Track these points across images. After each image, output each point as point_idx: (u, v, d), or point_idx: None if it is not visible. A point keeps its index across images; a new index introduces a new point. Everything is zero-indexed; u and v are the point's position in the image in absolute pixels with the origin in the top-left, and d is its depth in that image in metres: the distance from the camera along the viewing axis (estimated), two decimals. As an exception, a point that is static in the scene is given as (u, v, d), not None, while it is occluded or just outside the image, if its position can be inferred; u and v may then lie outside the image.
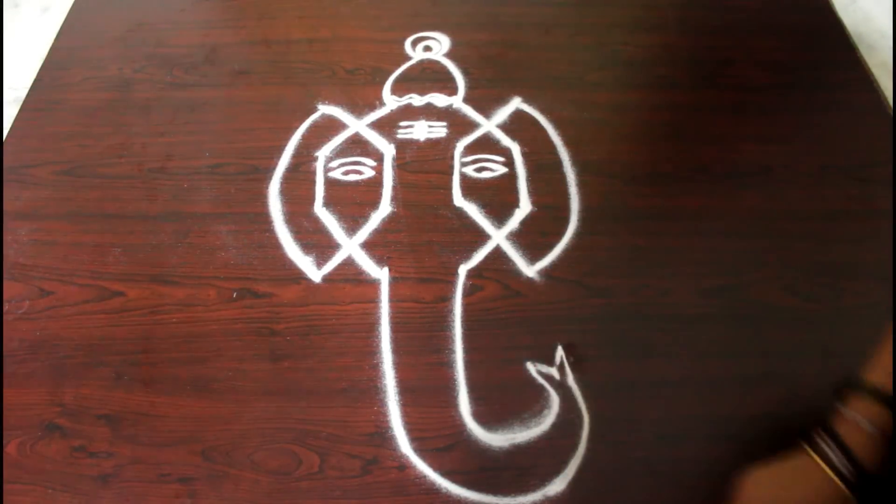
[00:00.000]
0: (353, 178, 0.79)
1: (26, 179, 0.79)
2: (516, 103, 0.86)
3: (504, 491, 0.58)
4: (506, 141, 0.82)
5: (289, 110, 0.86)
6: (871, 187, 0.77)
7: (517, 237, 0.73)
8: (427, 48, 0.93)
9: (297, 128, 0.84)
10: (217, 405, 0.62)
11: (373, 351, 0.66)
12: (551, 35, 0.95)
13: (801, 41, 0.94)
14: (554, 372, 0.64)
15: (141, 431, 0.61)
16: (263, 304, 0.69)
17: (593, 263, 0.71)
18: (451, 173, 0.79)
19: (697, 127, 0.84)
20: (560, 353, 0.65)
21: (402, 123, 0.84)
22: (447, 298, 0.69)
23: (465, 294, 0.69)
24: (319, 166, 0.80)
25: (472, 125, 0.84)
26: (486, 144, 0.82)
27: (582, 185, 0.78)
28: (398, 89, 0.88)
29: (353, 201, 0.77)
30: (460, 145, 0.82)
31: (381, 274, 0.71)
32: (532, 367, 0.64)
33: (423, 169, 0.80)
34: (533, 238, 0.73)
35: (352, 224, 0.75)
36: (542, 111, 0.85)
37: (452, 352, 0.65)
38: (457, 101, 0.87)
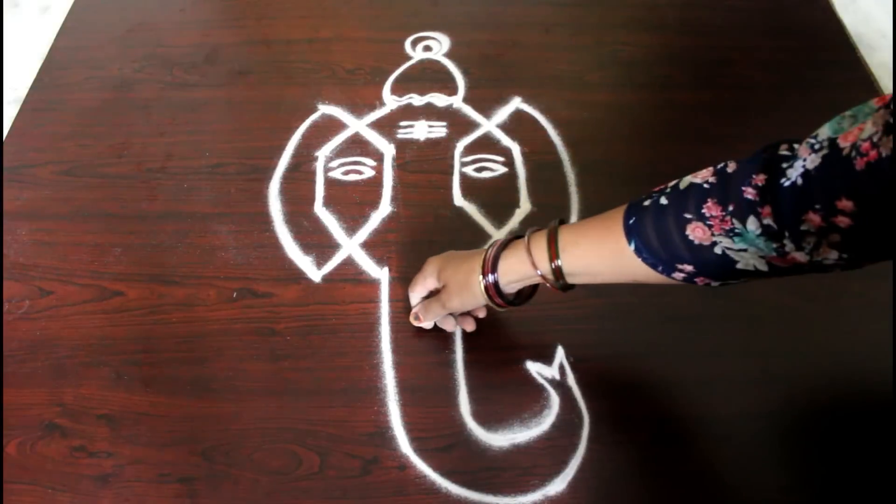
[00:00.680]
0: (353, 178, 0.79)
1: (26, 179, 0.79)
2: (516, 103, 0.86)
3: (504, 491, 0.58)
4: (506, 141, 0.82)
5: (289, 110, 0.86)
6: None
7: (517, 237, 0.73)
8: (427, 48, 0.93)
9: (297, 128, 0.84)
10: (217, 405, 0.62)
11: (373, 351, 0.66)
12: (551, 35, 0.95)
13: (801, 41, 0.94)
14: (554, 372, 0.64)
15: (141, 431, 0.61)
16: (263, 304, 0.69)
17: (593, 263, 0.71)
18: (451, 173, 0.79)
19: (697, 127, 0.84)
20: (560, 353, 0.65)
21: (402, 123, 0.84)
22: (447, 298, 0.69)
23: (465, 294, 0.69)
24: (319, 166, 0.80)
25: (472, 125, 0.84)
26: (486, 144, 0.82)
27: (582, 185, 0.78)
28: (398, 89, 0.88)
29: (353, 201, 0.77)
30: (460, 145, 0.82)
31: (381, 274, 0.71)
32: (532, 367, 0.64)
33: (423, 169, 0.80)
34: (533, 238, 0.73)
35: (352, 224, 0.75)
36: (542, 111, 0.85)
37: (452, 352, 0.65)
38: (457, 101, 0.87)
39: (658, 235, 0.46)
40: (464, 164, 0.80)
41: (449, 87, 0.88)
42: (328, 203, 0.77)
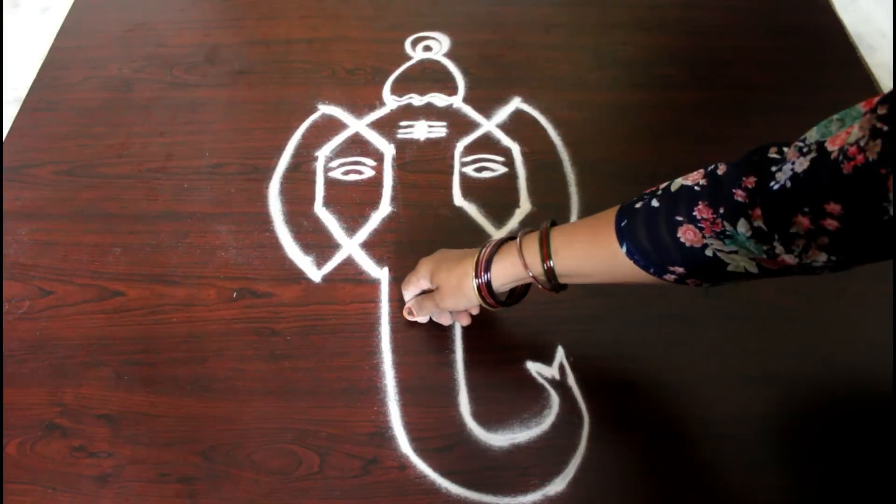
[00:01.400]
0: (353, 177, 0.79)
1: (26, 179, 0.79)
2: (516, 103, 0.86)
3: (504, 491, 0.58)
4: (506, 141, 0.82)
5: (289, 110, 0.86)
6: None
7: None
8: (427, 48, 0.93)
9: (297, 128, 0.84)
10: (217, 405, 0.62)
11: (373, 351, 0.66)
12: (551, 35, 0.95)
13: (801, 41, 0.94)
14: (554, 372, 0.64)
15: (141, 431, 0.61)
16: (263, 304, 0.69)
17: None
18: (451, 173, 0.79)
19: (697, 127, 0.84)
20: (560, 353, 0.65)
21: (402, 123, 0.84)
22: (447, 298, 0.69)
23: (465, 294, 0.69)
24: (319, 166, 0.80)
25: (472, 125, 0.84)
26: (486, 144, 0.82)
27: (582, 185, 0.78)
28: (398, 89, 0.88)
29: (353, 201, 0.77)
30: (460, 145, 0.82)
31: (381, 274, 0.71)
32: (532, 367, 0.64)
33: (423, 169, 0.80)
34: (533, 238, 0.73)
35: (352, 224, 0.75)
36: (542, 111, 0.85)
37: (452, 352, 0.65)
38: (457, 101, 0.87)
39: (649, 238, 0.46)
40: (464, 164, 0.80)
41: (449, 87, 0.88)
42: (328, 203, 0.77)
